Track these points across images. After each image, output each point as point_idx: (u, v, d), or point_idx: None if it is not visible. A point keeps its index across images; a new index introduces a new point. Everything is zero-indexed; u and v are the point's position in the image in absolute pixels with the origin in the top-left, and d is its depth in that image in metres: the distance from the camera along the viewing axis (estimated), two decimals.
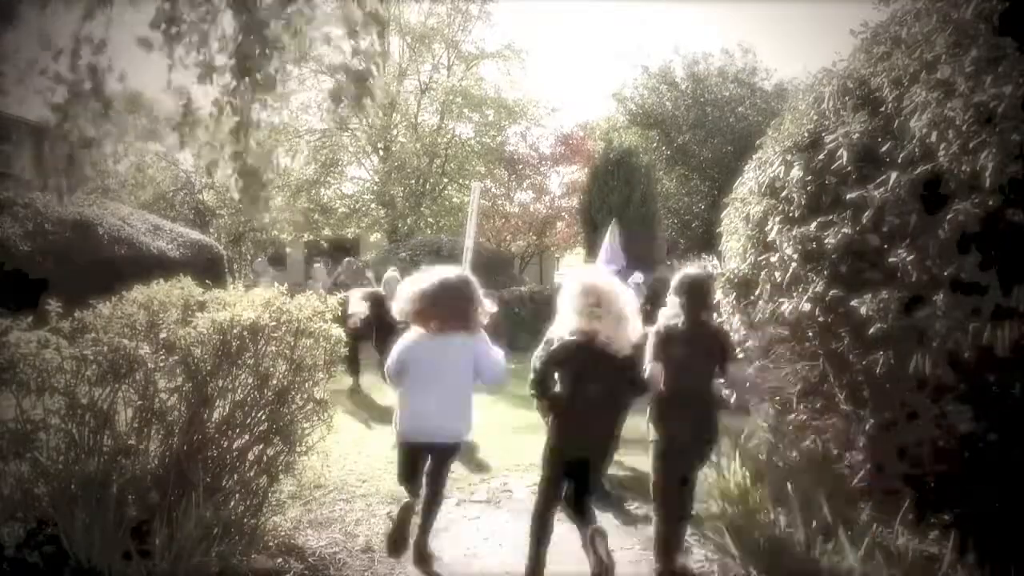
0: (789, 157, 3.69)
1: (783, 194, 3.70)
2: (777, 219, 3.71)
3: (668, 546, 3.39)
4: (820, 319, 3.39)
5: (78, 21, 2.77)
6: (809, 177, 3.51)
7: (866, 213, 3.10)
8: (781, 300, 3.59)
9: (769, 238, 3.76)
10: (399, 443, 3.64)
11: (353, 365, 8.17)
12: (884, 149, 3.14)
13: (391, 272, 8.80)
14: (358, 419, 6.98)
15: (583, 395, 3.21)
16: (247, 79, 2.59)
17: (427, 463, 3.59)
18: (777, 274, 3.64)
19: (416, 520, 3.59)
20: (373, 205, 21.92)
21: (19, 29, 2.81)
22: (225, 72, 2.64)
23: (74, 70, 2.78)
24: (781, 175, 3.71)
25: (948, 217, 2.79)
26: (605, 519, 4.16)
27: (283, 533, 3.86)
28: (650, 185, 17.73)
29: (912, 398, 3.08)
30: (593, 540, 3.12)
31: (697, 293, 3.41)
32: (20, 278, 8.22)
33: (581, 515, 3.30)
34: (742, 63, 21.38)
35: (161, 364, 3.33)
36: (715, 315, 4.74)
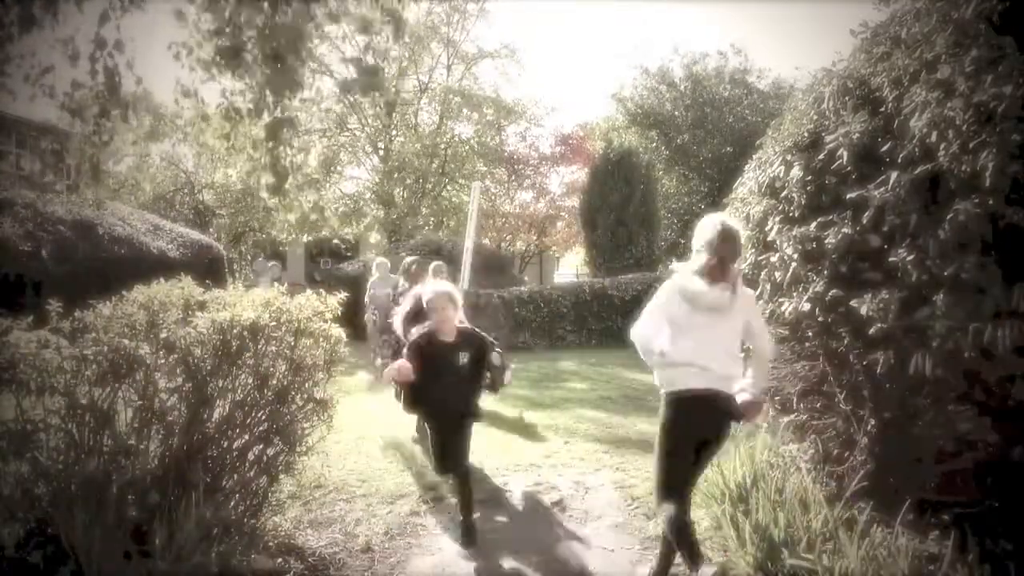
0: (789, 157, 3.69)
1: (783, 194, 3.71)
2: (777, 219, 3.71)
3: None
4: (820, 319, 3.39)
5: (95, 24, 2.78)
6: (809, 177, 3.51)
7: (866, 213, 3.11)
8: (781, 300, 3.59)
9: (769, 238, 3.76)
10: None
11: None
12: (884, 149, 3.14)
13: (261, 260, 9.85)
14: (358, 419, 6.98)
15: None
16: (273, 71, 2.60)
17: None
18: (777, 274, 3.64)
19: None
20: (373, 205, 21.93)
21: (34, 34, 2.82)
22: (251, 67, 2.66)
23: (93, 74, 2.79)
24: (781, 175, 3.71)
25: (948, 217, 2.79)
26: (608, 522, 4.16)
27: (283, 533, 3.86)
28: (650, 185, 17.74)
29: (912, 398, 3.08)
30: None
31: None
32: (20, 278, 8.23)
33: None
34: (741, 64, 21.40)
35: (161, 364, 3.33)
36: None
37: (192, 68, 2.94)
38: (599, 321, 14.13)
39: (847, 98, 3.48)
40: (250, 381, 3.52)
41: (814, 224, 3.38)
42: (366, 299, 9.59)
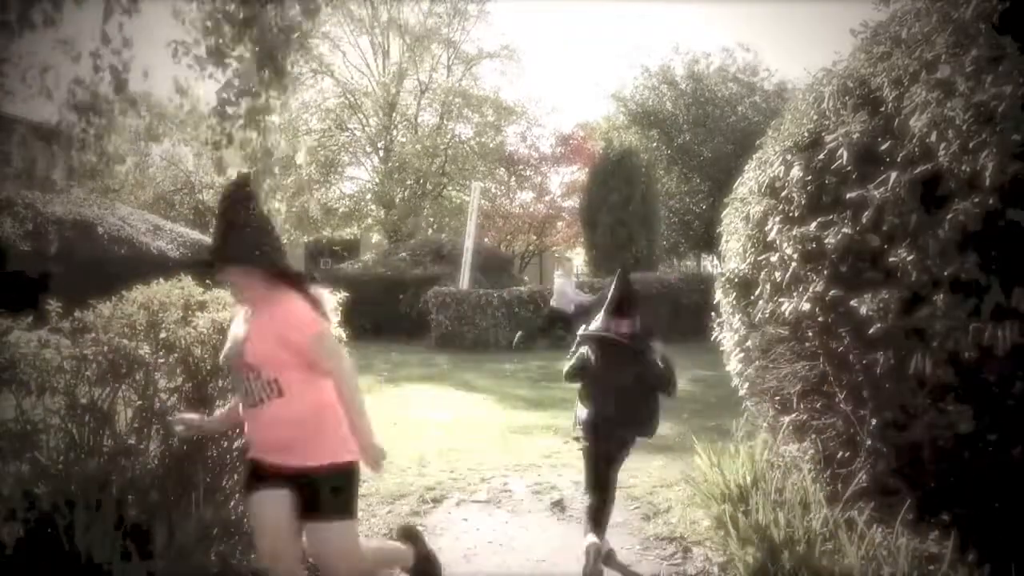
0: (789, 157, 3.69)
1: (783, 194, 3.70)
2: (777, 219, 3.71)
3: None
4: (820, 319, 3.39)
5: (97, 23, 2.78)
6: (809, 177, 3.51)
7: (866, 212, 3.10)
8: (781, 300, 3.59)
9: (769, 238, 3.76)
10: None
11: None
12: (884, 148, 3.13)
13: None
14: None
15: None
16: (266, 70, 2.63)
17: None
18: (777, 274, 3.63)
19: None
20: (373, 205, 21.96)
21: (35, 32, 2.82)
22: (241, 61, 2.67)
23: (96, 70, 2.79)
24: (781, 175, 3.71)
25: (948, 217, 2.79)
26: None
27: None
28: (650, 185, 17.74)
29: (912, 398, 3.08)
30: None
31: None
32: (20, 278, 8.22)
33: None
34: (742, 62, 21.40)
35: (161, 364, 3.33)
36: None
37: (189, 65, 2.96)
38: None
39: (847, 98, 3.47)
40: None
41: (814, 224, 3.38)
42: None
